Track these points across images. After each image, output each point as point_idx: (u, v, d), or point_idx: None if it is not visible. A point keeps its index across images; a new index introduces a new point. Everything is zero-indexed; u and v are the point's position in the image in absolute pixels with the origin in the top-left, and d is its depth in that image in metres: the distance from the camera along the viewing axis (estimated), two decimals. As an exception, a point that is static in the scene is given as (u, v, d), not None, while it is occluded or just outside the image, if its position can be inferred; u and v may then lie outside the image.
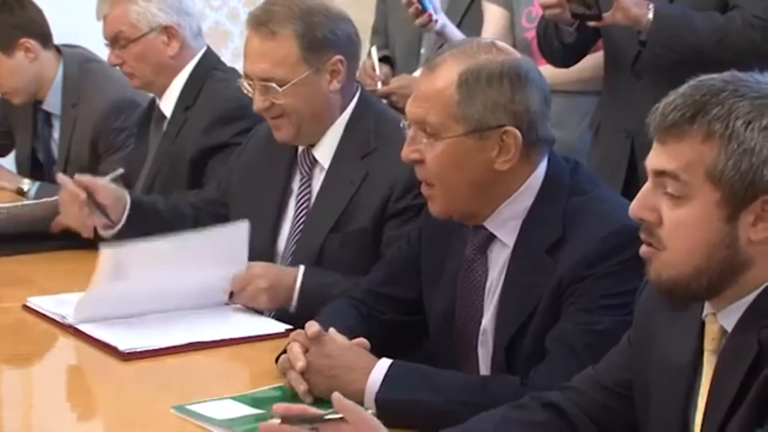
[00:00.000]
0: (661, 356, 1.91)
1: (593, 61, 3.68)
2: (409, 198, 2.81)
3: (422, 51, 4.26)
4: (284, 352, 2.41)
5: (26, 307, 2.92)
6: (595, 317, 2.26)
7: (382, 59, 4.32)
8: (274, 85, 2.88)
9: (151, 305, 2.80)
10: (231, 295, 2.87)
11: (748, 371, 1.73)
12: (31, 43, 4.03)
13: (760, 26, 3.26)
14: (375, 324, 2.58)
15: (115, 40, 3.62)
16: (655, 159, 1.81)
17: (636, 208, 1.83)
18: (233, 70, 3.65)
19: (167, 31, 3.60)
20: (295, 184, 3.01)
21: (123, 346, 2.61)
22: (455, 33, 3.99)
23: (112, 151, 4.00)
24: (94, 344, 2.67)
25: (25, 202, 3.53)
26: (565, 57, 3.60)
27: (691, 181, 1.76)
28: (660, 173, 1.80)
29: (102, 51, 3.81)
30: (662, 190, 1.80)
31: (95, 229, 3.10)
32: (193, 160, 3.50)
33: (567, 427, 2.06)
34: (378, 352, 2.36)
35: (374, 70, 4.27)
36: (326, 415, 2.01)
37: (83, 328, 2.73)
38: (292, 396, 2.34)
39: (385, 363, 2.30)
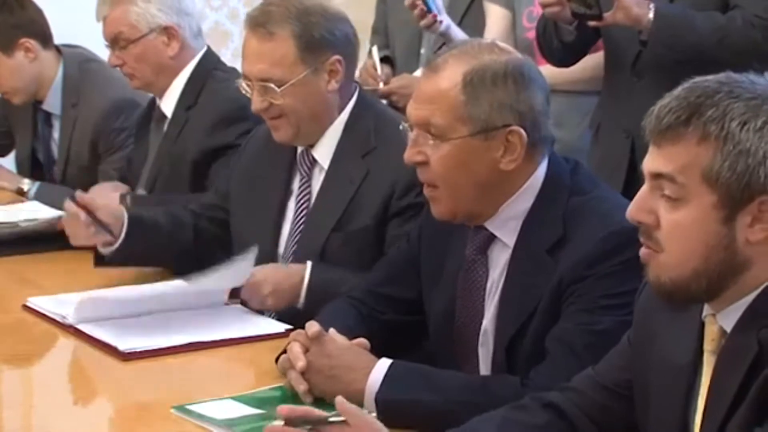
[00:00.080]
0: (660, 356, 1.91)
1: (594, 61, 3.68)
2: (412, 196, 2.81)
3: (422, 51, 4.26)
4: (284, 352, 2.41)
5: (26, 307, 2.92)
6: (596, 317, 2.26)
7: (383, 59, 4.31)
8: (272, 85, 2.88)
9: (151, 306, 2.80)
10: (231, 294, 2.87)
11: (748, 371, 1.73)
12: (31, 43, 4.03)
13: (761, 26, 3.26)
14: (375, 324, 2.58)
15: (115, 41, 3.62)
16: (651, 162, 1.81)
17: (633, 211, 1.83)
18: (233, 70, 3.65)
19: (167, 31, 3.60)
20: (295, 185, 3.01)
21: (123, 346, 2.61)
22: (459, 34, 3.99)
23: (112, 151, 4.00)
24: (94, 344, 2.67)
25: (27, 218, 3.52)
26: (565, 56, 3.60)
27: (687, 184, 1.76)
28: (656, 176, 1.80)
29: (102, 51, 3.81)
30: (659, 193, 1.80)
31: (95, 248, 3.10)
32: (195, 161, 3.50)
33: (567, 427, 2.06)
34: (378, 352, 2.36)
35: (375, 70, 4.27)
36: (330, 417, 2.01)
37: (83, 328, 2.73)
38: (292, 396, 2.34)
39: (385, 363, 2.30)
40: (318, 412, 2.04)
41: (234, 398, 2.35)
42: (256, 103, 2.91)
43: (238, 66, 3.36)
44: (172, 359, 2.61)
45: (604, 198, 2.39)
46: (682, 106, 1.77)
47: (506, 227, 2.39)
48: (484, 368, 2.42)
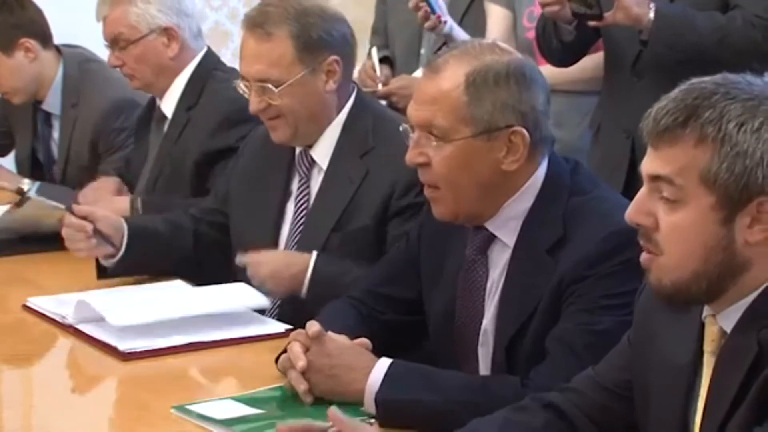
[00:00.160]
0: (660, 357, 1.91)
1: (594, 61, 3.68)
2: (412, 196, 2.81)
3: (422, 51, 4.25)
4: (284, 351, 2.41)
5: (26, 307, 2.92)
6: (596, 317, 2.26)
7: (382, 60, 4.31)
8: (270, 86, 2.88)
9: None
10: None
11: (748, 372, 1.73)
12: (31, 43, 4.03)
13: (761, 26, 3.26)
14: (375, 324, 2.57)
15: (114, 42, 3.62)
16: (649, 164, 1.81)
17: (632, 213, 1.83)
18: (233, 70, 3.64)
19: (167, 32, 3.60)
20: (294, 186, 3.01)
21: (123, 346, 2.61)
22: (462, 34, 3.98)
23: (112, 151, 4.00)
24: (94, 344, 2.67)
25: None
26: (564, 56, 3.60)
27: (685, 186, 1.76)
28: (655, 178, 1.79)
29: (102, 51, 3.81)
30: (658, 195, 1.79)
31: (97, 260, 3.10)
32: (197, 162, 3.50)
33: (567, 427, 2.06)
34: (378, 352, 2.36)
35: (375, 70, 4.26)
36: (329, 429, 2.00)
37: (83, 328, 2.73)
38: (293, 396, 2.34)
39: (385, 362, 2.30)
40: (318, 425, 2.04)
41: (234, 398, 2.35)
42: (254, 104, 2.92)
43: (238, 66, 3.36)
44: (172, 359, 2.61)
45: (604, 198, 2.39)
46: (679, 108, 1.77)
47: (506, 227, 2.39)
48: (484, 368, 2.42)
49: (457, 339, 2.46)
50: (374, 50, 4.33)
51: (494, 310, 2.40)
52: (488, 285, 2.42)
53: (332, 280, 2.78)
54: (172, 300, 2.83)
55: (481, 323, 2.42)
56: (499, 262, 2.41)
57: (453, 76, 2.34)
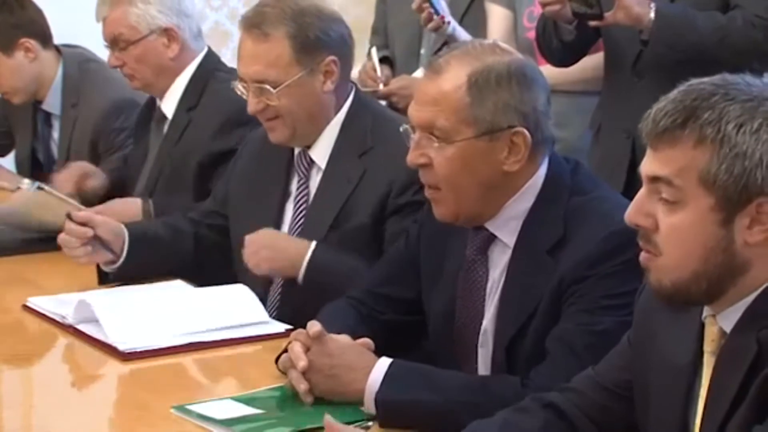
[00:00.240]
0: (660, 357, 1.91)
1: (594, 61, 3.67)
2: (409, 194, 2.81)
3: (422, 51, 4.25)
4: (285, 351, 2.41)
5: (26, 307, 2.92)
6: (596, 318, 2.26)
7: (382, 60, 4.31)
8: (267, 86, 2.88)
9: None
10: None
11: (748, 371, 1.73)
12: (31, 43, 4.03)
13: (762, 26, 3.26)
14: (375, 324, 2.57)
15: (114, 42, 3.62)
16: (648, 165, 1.81)
17: (632, 214, 1.83)
18: (234, 71, 3.64)
19: (167, 33, 3.60)
20: (293, 186, 3.01)
21: (123, 346, 2.61)
22: (464, 35, 3.99)
23: (112, 151, 4.00)
24: (94, 344, 2.67)
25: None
26: (565, 55, 3.60)
27: (684, 187, 1.76)
28: (654, 179, 1.79)
29: (102, 51, 3.81)
30: (657, 196, 1.79)
31: (98, 265, 3.10)
32: (200, 163, 3.49)
33: (567, 428, 2.06)
34: (378, 352, 2.36)
35: (375, 71, 4.26)
36: None
37: (83, 328, 2.73)
38: (293, 396, 2.34)
39: (385, 362, 2.30)
40: None
41: (234, 398, 2.35)
42: (252, 105, 2.92)
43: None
44: (172, 359, 2.61)
45: (604, 198, 2.39)
46: (678, 109, 1.77)
47: (507, 227, 2.39)
48: (484, 368, 2.42)
49: (457, 339, 2.46)
50: (374, 50, 4.32)
51: (494, 311, 2.40)
52: (488, 285, 2.42)
53: (329, 267, 2.79)
54: (171, 303, 2.82)
55: (481, 323, 2.42)
56: (499, 262, 2.41)
57: (455, 77, 2.34)
